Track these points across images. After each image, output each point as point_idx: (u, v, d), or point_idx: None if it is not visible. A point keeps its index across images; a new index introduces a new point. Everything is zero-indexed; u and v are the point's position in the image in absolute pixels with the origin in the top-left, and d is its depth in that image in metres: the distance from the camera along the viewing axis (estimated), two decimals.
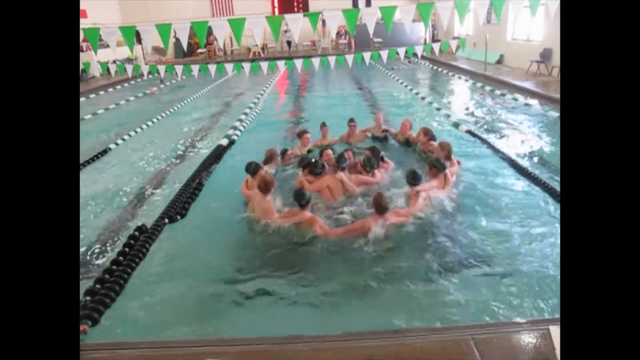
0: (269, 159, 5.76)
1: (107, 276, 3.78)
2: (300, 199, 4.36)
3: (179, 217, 4.95)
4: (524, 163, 6.21)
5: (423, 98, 11.52)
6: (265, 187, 4.57)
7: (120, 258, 4.08)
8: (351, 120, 7.37)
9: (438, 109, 10.15)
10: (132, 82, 17.73)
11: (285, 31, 21.84)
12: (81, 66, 9.87)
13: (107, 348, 2.71)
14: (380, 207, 4.17)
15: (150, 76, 14.97)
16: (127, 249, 4.22)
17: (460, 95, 12.60)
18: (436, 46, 9.88)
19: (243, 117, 10.15)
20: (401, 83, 14.17)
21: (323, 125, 7.26)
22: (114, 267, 3.94)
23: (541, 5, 6.61)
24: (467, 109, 10.63)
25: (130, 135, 9.05)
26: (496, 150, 6.81)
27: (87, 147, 8.11)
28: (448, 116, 9.44)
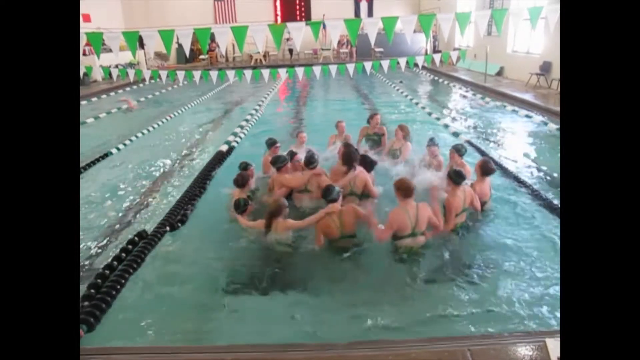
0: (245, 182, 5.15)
1: (100, 281, 3.78)
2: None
3: (179, 225, 4.95)
4: (524, 175, 6.23)
5: (423, 108, 11.57)
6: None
7: (115, 263, 4.08)
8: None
9: (437, 119, 10.19)
10: (134, 86, 17.81)
11: (287, 39, 22.00)
12: (83, 70, 9.89)
13: (103, 353, 2.71)
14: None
15: (153, 81, 15.03)
16: (124, 254, 4.22)
17: (460, 106, 12.65)
18: (437, 57, 9.96)
19: (244, 123, 10.19)
20: (401, 92, 14.24)
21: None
22: (110, 272, 3.93)
23: (541, 19, 6.66)
24: (466, 119, 10.68)
25: (131, 140, 9.07)
26: (496, 163, 6.82)
27: (88, 150, 8.13)
28: (447, 126, 9.48)
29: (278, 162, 5.27)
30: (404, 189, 4.07)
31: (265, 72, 9.68)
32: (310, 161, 5.10)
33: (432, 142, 6.23)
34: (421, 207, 4.10)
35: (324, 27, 6.30)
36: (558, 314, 3.24)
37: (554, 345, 2.48)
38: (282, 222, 4.35)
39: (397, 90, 14.94)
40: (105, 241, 4.74)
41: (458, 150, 5.80)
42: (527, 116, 10.32)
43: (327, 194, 4.21)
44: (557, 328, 3.05)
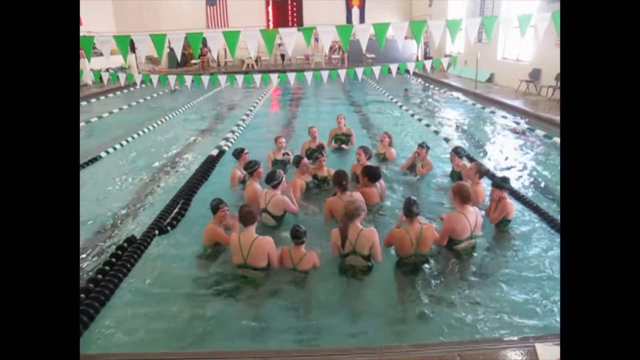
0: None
1: (92, 286, 3.74)
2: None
3: (169, 229, 4.91)
4: (513, 180, 6.28)
5: (412, 115, 11.62)
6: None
7: (107, 268, 4.04)
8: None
9: (427, 125, 10.25)
10: (125, 90, 17.70)
11: (279, 44, 22.03)
12: None
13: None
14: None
15: (144, 85, 14.95)
16: (113, 259, 4.19)
17: (450, 113, 12.74)
18: (428, 63, 10.04)
19: (235, 128, 10.17)
20: (391, 99, 14.30)
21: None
22: (100, 277, 3.89)
23: (530, 27, 6.75)
24: (456, 125, 10.76)
25: (122, 144, 9.01)
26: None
27: None
28: (437, 132, 9.54)
29: (249, 168, 5.32)
30: (464, 195, 4.05)
31: (257, 77, 9.68)
32: (270, 178, 4.89)
33: (422, 145, 6.39)
34: (478, 213, 4.18)
35: (316, 40, 6.41)
36: (548, 319, 3.26)
37: (543, 350, 2.50)
38: (366, 231, 3.80)
39: (386, 95, 15.00)
40: (94, 246, 4.69)
41: (457, 152, 6.05)
42: (516, 122, 10.43)
43: (407, 207, 3.94)
44: (547, 333, 3.07)
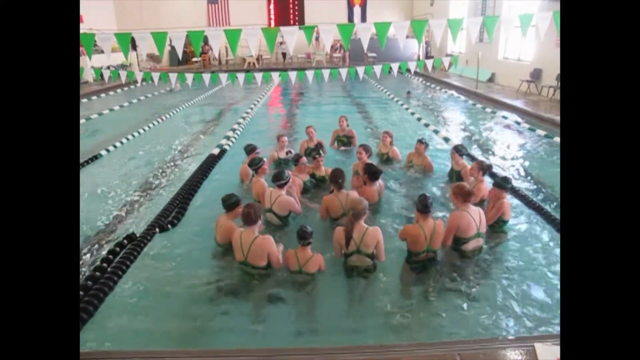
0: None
1: (90, 283, 3.74)
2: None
3: (169, 227, 4.91)
4: (515, 181, 6.28)
5: (412, 113, 11.61)
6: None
7: (105, 265, 4.05)
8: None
9: (426, 125, 10.24)
10: (126, 88, 17.69)
11: (281, 43, 22.03)
12: None
13: (93, 357, 2.68)
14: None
15: (145, 83, 14.94)
16: (111, 257, 4.19)
17: (451, 112, 12.73)
18: (429, 63, 10.03)
19: (236, 126, 10.16)
20: (392, 98, 14.28)
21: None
22: (99, 274, 3.90)
23: (531, 27, 6.74)
24: (457, 125, 10.75)
25: (122, 142, 9.01)
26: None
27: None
28: (436, 132, 9.53)
29: (254, 165, 5.37)
30: (464, 194, 4.06)
31: (258, 76, 9.68)
32: (278, 177, 4.79)
33: (421, 140, 6.40)
34: (481, 211, 4.18)
35: (317, 38, 6.41)
36: (548, 319, 3.26)
37: (542, 350, 2.50)
38: (372, 230, 3.81)
39: (387, 93, 14.99)
40: (93, 243, 4.69)
41: (458, 150, 6.00)
42: (517, 122, 10.42)
43: (422, 203, 3.90)
44: (546, 333, 3.08)
